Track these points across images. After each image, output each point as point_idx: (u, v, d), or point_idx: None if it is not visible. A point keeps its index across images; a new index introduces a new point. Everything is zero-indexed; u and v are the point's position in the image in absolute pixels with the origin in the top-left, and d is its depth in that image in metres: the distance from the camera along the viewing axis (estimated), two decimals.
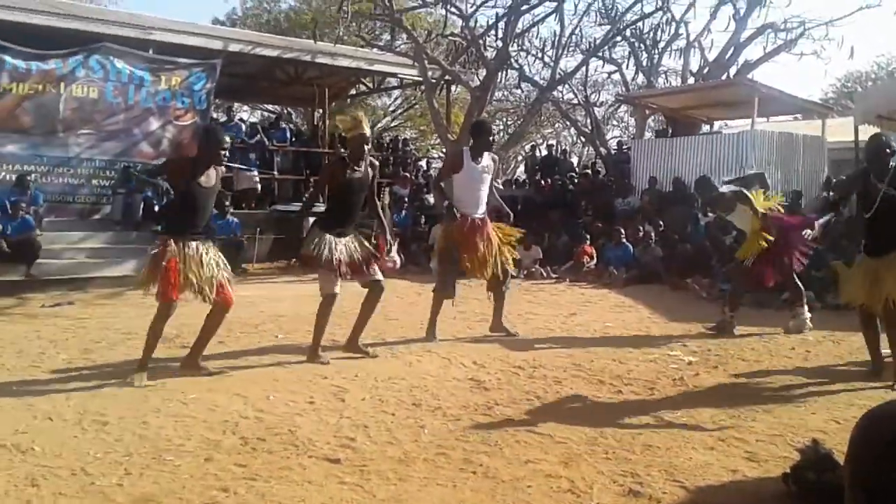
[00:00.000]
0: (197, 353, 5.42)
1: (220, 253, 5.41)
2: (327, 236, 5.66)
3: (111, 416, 4.27)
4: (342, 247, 5.68)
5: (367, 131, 5.84)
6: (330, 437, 3.98)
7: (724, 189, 7.56)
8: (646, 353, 6.31)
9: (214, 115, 15.02)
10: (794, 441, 3.89)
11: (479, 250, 6.52)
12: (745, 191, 7.31)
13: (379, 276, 5.95)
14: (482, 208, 6.65)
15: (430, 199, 14.07)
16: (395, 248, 6.90)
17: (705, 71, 17.97)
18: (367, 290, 5.99)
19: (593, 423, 4.28)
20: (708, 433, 4.12)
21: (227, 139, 5.57)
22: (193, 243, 5.17)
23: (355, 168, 5.76)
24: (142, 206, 11.92)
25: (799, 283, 7.25)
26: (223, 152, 5.36)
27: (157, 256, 5.08)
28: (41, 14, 11.82)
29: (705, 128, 17.55)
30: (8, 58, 11.05)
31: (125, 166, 12.00)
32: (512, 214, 7.05)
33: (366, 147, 5.81)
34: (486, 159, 6.66)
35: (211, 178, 5.29)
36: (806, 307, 7.27)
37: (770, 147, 13.80)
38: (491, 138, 6.86)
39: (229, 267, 5.50)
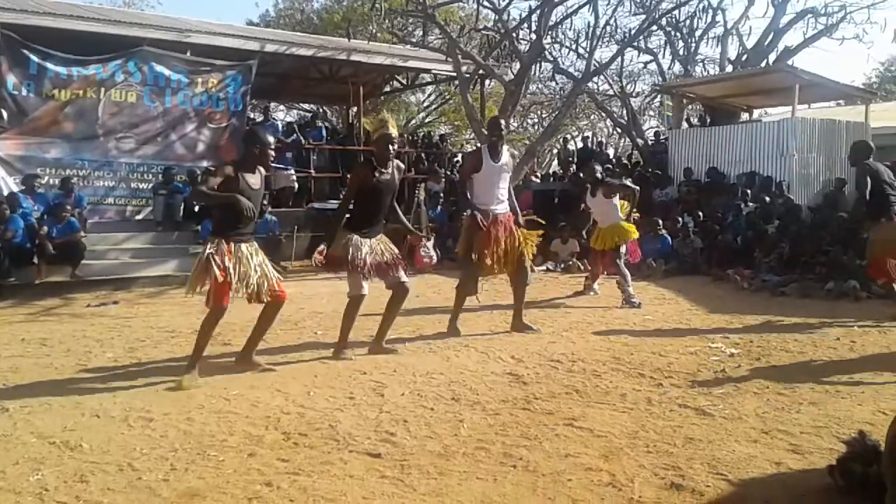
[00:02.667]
0: (251, 348, 5.54)
1: (264, 254, 5.46)
2: (354, 237, 5.67)
3: (156, 413, 4.36)
4: (368, 247, 5.70)
5: (394, 132, 5.79)
6: (370, 432, 4.01)
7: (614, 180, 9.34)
8: (686, 345, 6.24)
9: (251, 116, 15.19)
10: (840, 433, 3.81)
11: (500, 245, 6.48)
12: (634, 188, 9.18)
13: (404, 278, 5.96)
14: (503, 204, 6.63)
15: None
16: (431, 244, 6.91)
17: (744, 58, 17.65)
18: (391, 291, 6.01)
19: (634, 417, 4.26)
20: (751, 425, 4.06)
21: (272, 139, 5.53)
22: (243, 245, 5.22)
23: (383, 171, 5.76)
24: (182, 206, 12.10)
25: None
26: (270, 153, 5.37)
27: (207, 261, 5.06)
28: (82, 20, 12.06)
29: (745, 116, 17.27)
30: (50, 65, 11.33)
31: (166, 168, 12.21)
32: (521, 217, 6.86)
33: (392, 148, 5.79)
34: (505, 156, 6.63)
35: (257, 179, 5.33)
36: (630, 287, 8.44)
37: (812, 134, 13.55)
38: (501, 133, 6.70)
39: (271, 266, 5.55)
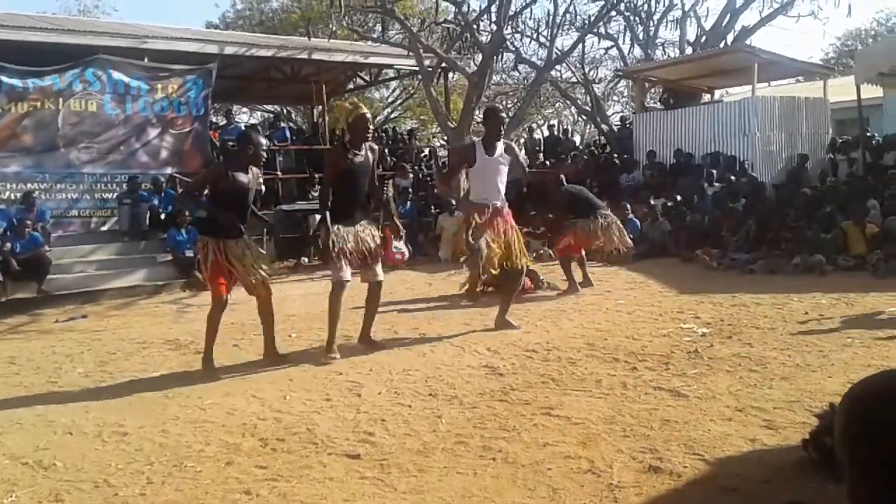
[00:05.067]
0: (270, 342, 5.82)
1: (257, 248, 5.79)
2: (336, 226, 5.65)
3: (130, 427, 4.30)
4: (351, 236, 5.68)
5: (368, 112, 5.85)
6: (348, 433, 4.00)
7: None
8: (659, 327, 6.30)
9: (214, 119, 15.02)
10: (812, 406, 3.87)
11: (504, 235, 6.30)
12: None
13: (379, 273, 5.96)
14: (501, 196, 6.41)
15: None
16: (402, 240, 6.87)
17: (703, 40, 17.85)
18: (367, 287, 6.02)
19: (610, 402, 4.29)
20: (725, 404, 4.11)
21: (265, 141, 5.90)
22: (232, 241, 5.43)
23: (356, 153, 5.71)
24: (148, 215, 11.94)
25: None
26: (262, 154, 5.63)
27: (201, 258, 5.46)
28: (36, 31, 11.84)
29: (706, 97, 17.44)
30: (4, 78, 11.06)
31: (130, 177, 12.03)
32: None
33: (368, 128, 5.77)
34: (500, 148, 6.34)
35: (249, 178, 5.54)
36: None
37: (772, 112, 13.72)
38: (501, 126, 6.48)
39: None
